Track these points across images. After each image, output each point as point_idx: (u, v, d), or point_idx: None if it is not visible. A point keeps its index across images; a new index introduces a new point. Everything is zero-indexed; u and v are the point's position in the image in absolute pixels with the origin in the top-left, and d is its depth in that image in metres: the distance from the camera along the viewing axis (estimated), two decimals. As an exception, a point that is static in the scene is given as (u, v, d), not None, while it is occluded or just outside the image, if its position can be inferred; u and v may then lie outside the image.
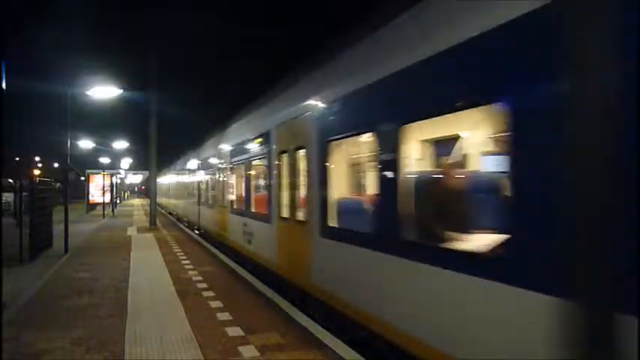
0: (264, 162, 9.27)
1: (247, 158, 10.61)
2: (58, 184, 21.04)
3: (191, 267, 10.62)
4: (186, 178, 23.61)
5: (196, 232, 19.10)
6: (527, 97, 3.12)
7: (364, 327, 5.13)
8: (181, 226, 23.03)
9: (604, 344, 2.46)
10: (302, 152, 7.07)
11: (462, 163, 5.57)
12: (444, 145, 6.09)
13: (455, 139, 5.83)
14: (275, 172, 8.43)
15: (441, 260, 3.93)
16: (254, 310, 6.92)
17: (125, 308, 7.00)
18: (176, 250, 13.54)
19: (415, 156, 6.07)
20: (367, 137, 5.37)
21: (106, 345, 5.41)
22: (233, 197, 12.26)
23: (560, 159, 2.73)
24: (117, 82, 15.05)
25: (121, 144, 38.46)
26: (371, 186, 6.16)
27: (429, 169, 6.14)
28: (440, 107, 4.04)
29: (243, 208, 10.83)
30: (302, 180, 7.15)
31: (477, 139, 5.62)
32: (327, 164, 6.22)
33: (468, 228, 4.35)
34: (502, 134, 3.60)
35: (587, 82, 2.47)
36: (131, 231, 19.69)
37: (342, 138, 5.90)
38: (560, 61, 2.72)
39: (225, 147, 13.27)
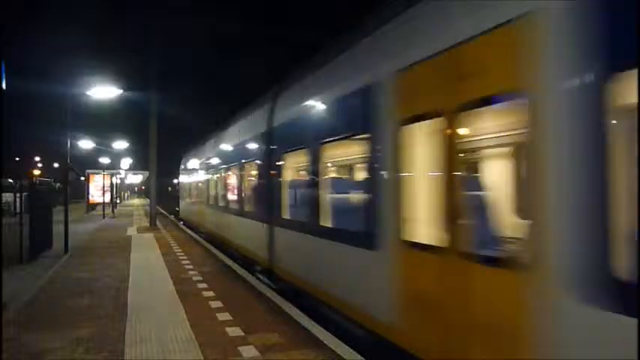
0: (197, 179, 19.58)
1: (197, 176, 20.14)
2: (58, 184, 21.06)
3: (191, 267, 10.63)
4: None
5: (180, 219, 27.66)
6: None
7: (215, 235, 14.70)
8: (181, 225, 23.04)
9: None
10: (214, 175, 15.50)
11: None
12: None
13: None
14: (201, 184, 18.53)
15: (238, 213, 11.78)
16: (254, 310, 6.93)
17: (125, 308, 7.00)
18: (176, 250, 13.56)
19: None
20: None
21: (106, 345, 5.41)
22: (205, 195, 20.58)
23: None
24: (117, 82, 15.05)
25: (121, 144, 38.40)
26: (218, 190, 14.50)
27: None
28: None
29: (192, 201, 21.79)
30: (211, 188, 16.11)
31: None
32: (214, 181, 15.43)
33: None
34: None
35: None
36: (131, 231, 19.71)
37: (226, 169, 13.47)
38: None
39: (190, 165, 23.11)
